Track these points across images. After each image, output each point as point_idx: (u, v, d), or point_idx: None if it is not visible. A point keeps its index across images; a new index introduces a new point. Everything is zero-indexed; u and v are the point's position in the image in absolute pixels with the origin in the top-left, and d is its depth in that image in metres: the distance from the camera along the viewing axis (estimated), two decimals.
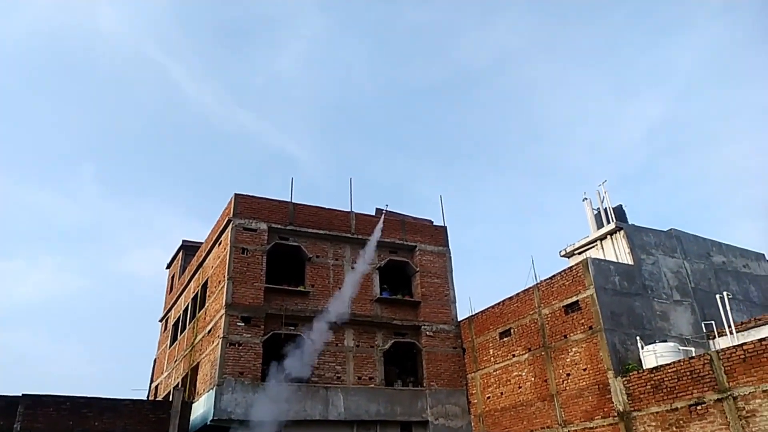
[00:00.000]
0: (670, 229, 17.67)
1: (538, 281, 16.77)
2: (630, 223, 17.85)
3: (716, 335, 14.82)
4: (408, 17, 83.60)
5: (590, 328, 14.56)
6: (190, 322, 21.28)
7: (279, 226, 18.40)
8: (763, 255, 19.51)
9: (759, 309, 17.07)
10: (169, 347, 24.30)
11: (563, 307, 15.59)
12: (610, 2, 75.68)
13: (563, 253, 19.82)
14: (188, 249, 26.36)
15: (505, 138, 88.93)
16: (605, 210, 18.72)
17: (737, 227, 67.80)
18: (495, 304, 18.29)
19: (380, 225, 19.70)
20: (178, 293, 24.66)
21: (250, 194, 18.52)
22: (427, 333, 18.98)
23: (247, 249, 17.56)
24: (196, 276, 21.63)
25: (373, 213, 20.66)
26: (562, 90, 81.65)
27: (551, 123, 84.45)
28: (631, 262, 16.20)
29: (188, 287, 22.84)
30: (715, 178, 75.59)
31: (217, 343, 16.19)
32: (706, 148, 76.68)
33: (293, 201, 19.02)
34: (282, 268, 18.46)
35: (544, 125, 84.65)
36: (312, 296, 17.98)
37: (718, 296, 14.42)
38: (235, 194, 18.27)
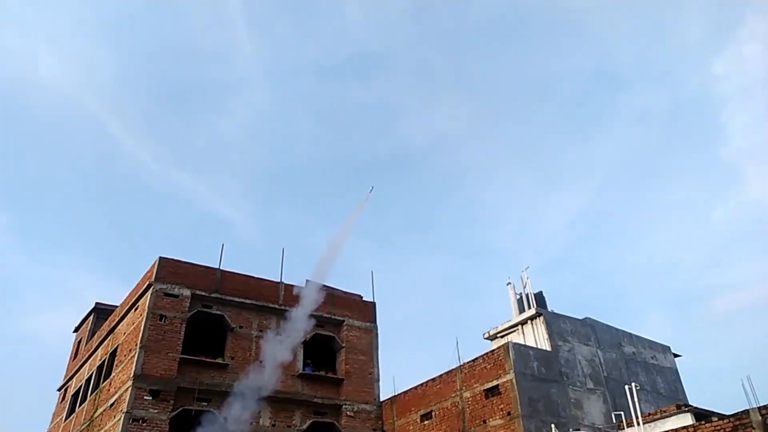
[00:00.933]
0: (586, 318, 18.55)
1: (462, 363, 16.91)
2: (549, 309, 18.60)
3: (625, 426, 15.32)
4: (354, 96, 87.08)
5: (509, 414, 14.69)
6: (91, 394, 19.59)
7: (203, 293, 17.76)
8: (669, 347, 20.72)
9: (665, 400, 17.90)
10: (65, 420, 22.10)
11: (484, 390, 15.71)
12: (539, 101, 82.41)
13: (486, 335, 20.21)
14: (101, 312, 24.73)
15: (441, 216, 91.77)
16: (527, 295, 19.48)
17: (648, 317, 71.83)
18: (418, 385, 18.16)
19: (310, 297, 19.45)
20: (82, 360, 22.81)
21: (176, 258, 17.92)
22: (348, 413, 18.42)
23: (166, 316, 16.73)
24: (106, 342, 20.20)
25: (304, 284, 20.43)
26: (494, 176, 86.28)
27: (483, 206, 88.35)
28: (549, 348, 16.74)
29: (95, 354, 21.22)
30: (629, 269, 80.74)
31: (119, 419, 14.93)
32: (621, 240, 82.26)
33: (221, 268, 18.55)
34: (202, 337, 17.65)
35: (477, 208, 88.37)
36: (231, 369, 17.18)
37: (627, 387, 15.05)
38: (160, 257, 17.62)
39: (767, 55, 60.60)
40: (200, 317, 17.56)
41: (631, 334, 19.73)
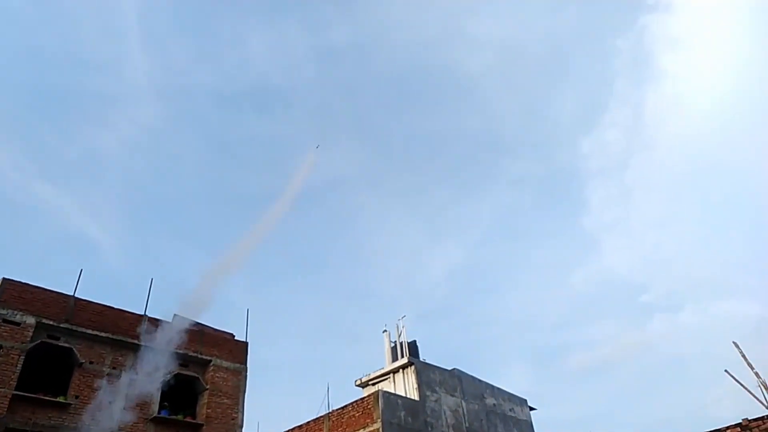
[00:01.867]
0: (453, 369, 19.26)
1: (331, 410, 16.65)
2: (421, 359, 19.09)
3: None
4: (250, 127, 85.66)
5: None
6: None
7: (51, 322, 15.90)
8: (526, 401, 22.06)
9: None
10: None
11: None
12: (430, 156, 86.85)
13: (358, 382, 20.18)
14: None
15: (329, 257, 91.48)
16: (401, 344, 19.86)
17: (511, 368, 76.22)
18: None
19: (175, 333, 18.19)
20: None
21: (22, 281, 15.97)
22: None
23: (2, 345, 14.71)
24: None
25: (171, 319, 19.11)
26: (384, 222, 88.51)
27: (371, 250, 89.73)
28: (417, 398, 17.06)
29: None
30: (498, 322, 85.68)
31: None
32: (493, 294, 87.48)
33: (76, 295, 16.81)
34: (45, 372, 15.69)
35: (365, 251, 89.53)
36: (74, 409, 15.36)
37: None
38: (3, 278, 15.60)
39: (625, 141, 70.22)
40: (44, 349, 15.65)
41: (493, 387, 20.76)
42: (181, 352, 18.19)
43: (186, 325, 18.81)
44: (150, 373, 16.97)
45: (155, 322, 18.26)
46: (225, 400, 18.69)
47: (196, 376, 18.53)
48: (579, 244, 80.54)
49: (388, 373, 19.07)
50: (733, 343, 10.43)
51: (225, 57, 77.74)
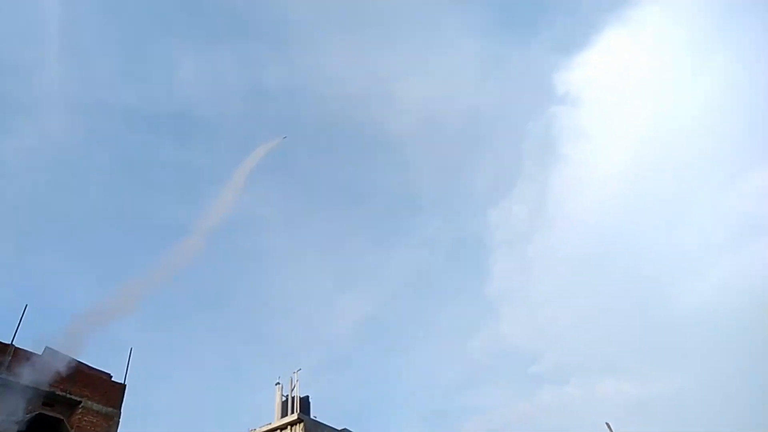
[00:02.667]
0: (344, 429, 18.89)
1: None
2: (312, 415, 18.59)
3: None
4: (167, 152, 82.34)
5: None
6: None
7: None
8: None
9: None
10: None
11: None
12: (348, 206, 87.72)
13: None
14: None
15: (234, 296, 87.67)
16: (293, 398, 19.28)
17: (409, 429, 75.55)
18: None
19: (44, 368, 16.48)
20: None
21: None
22: None
23: None
24: None
25: (42, 352, 17.33)
26: (294, 265, 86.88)
27: (278, 293, 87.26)
28: None
29: None
30: (399, 380, 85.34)
31: None
32: (396, 350, 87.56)
33: None
34: None
35: (271, 293, 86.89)
36: None
37: None
38: None
39: (529, 217, 75.76)
40: None
41: None
42: (47, 389, 16.46)
43: (58, 361, 17.14)
44: (9, 411, 15.15)
45: (23, 354, 16.49)
46: None
47: (61, 418, 16.75)
48: (480, 310, 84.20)
49: (276, 429, 18.32)
50: (606, 423, 11.19)
51: (152, 78, 75.42)
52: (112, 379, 19.09)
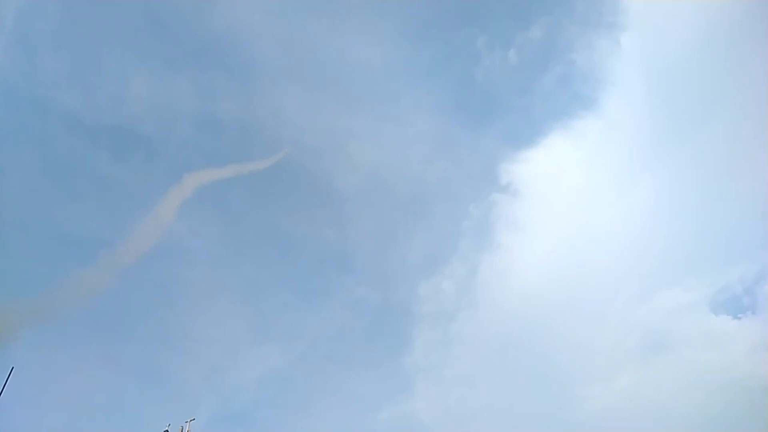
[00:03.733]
0: None
1: None
2: None
3: None
4: (101, 164, 77.67)
5: None
6: None
7: None
8: None
9: None
10: None
11: None
12: (278, 254, 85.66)
13: None
14: None
15: (135, 327, 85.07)
16: None
17: None
18: None
19: None
20: None
21: None
22: None
23: None
24: None
25: None
26: (209, 306, 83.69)
27: (186, 332, 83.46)
28: None
29: None
30: None
31: None
32: (302, 414, 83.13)
33: None
34: None
35: (179, 331, 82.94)
36: None
37: None
38: None
39: (457, 295, 75.03)
40: None
41: None
42: None
43: None
44: None
45: None
46: None
47: None
48: (395, 382, 79.76)
49: None
50: None
51: (100, 88, 73.49)
52: None
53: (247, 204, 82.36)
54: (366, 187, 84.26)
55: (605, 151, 75.21)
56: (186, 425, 16.96)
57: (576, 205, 73.42)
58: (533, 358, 68.02)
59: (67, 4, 71.99)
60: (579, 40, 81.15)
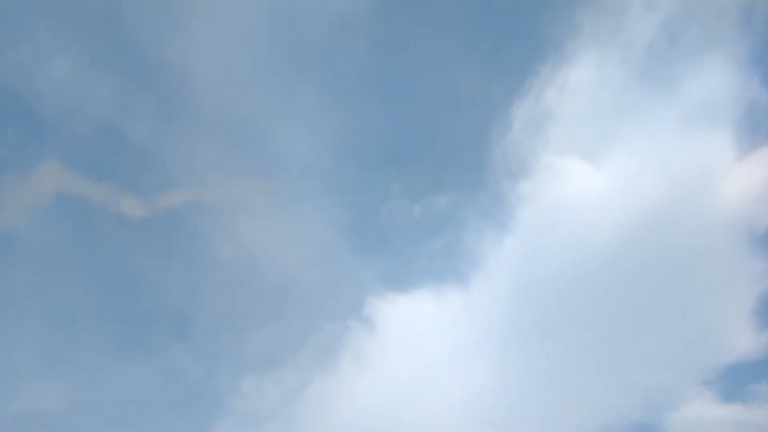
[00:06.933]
0: None
1: None
2: None
3: None
4: None
5: None
6: None
7: None
8: None
9: None
10: None
11: None
12: (100, 280, 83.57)
13: None
14: None
15: None
16: None
17: None
18: None
19: None
20: None
21: None
22: None
23: None
24: None
25: None
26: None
27: None
28: None
29: None
30: None
31: None
32: None
33: None
34: None
35: None
36: None
37: None
38: None
39: (279, 402, 78.89)
40: None
41: None
42: None
43: None
44: None
45: None
46: None
47: None
48: None
49: None
50: None
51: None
52: None
53: (103, 224, 74.88)
54: (238, 264, 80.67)
55: (462, 323, 77.50)
56: None
57: (422, 361, 74.03)
58: None
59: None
60: (473, 224, 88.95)
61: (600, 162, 45.16)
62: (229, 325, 79.26)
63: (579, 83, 46.06)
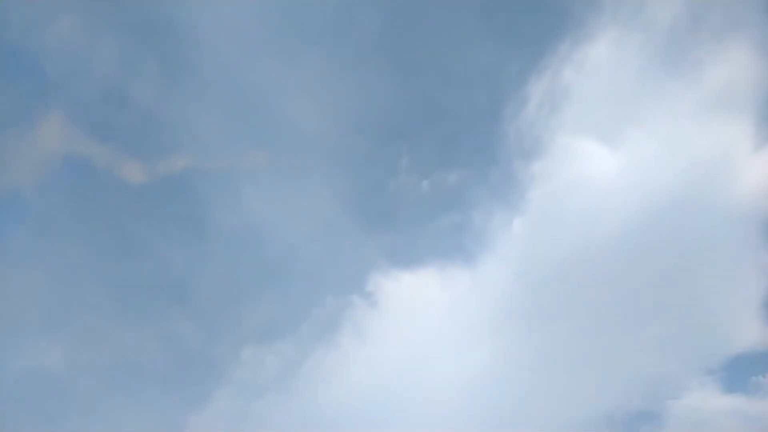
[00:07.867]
0: None
1: None
2: None
3: None
4: None
5: None
6: None
7: None
8: None
9: None
10: None
11: None
12: (104, 246, 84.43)
13: None
14: None
15: None
16: None
17: None
18: None
19: None
20: None
21: None
22: None
23: None
24: None
25: None
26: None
27: None
28: None
29: None
30: None
31: None
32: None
33: None
34: None
35: None
36: None
37: None
38: None
39: (277, 373, 78.54)
40: None
41: None
42: None
43: None
44: None
45: None
46: None
47: None
48: None
49: None
50: None
51: None
52: None
53: (107, 193, 74.63)
54: (243, 233, 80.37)
55: (467, 304, 77.46)
56: None
57: (424, 340, 74.19)
58: None
59: None
60: (483, 204, 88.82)
61: (616, 145, 43.83)
62: (230, 294, 79.25)
63: (598, 63, 44.44)
